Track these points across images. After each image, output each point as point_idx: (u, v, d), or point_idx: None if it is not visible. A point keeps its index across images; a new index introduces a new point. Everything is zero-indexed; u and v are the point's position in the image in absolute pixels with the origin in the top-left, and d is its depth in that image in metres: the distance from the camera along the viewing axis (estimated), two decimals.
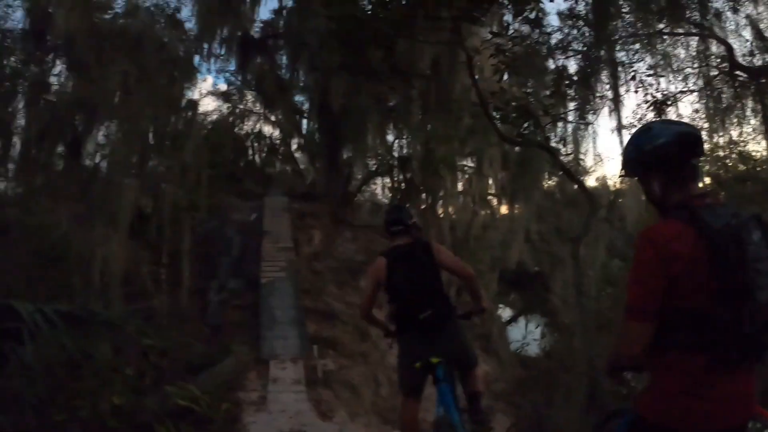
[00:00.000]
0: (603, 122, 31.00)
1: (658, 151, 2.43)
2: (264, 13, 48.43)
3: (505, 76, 9.18)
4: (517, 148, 15.69)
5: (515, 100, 9.24)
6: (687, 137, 2.45)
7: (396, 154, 18.40)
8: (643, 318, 2.31)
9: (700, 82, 11.56)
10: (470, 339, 5.13)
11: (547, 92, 9.91)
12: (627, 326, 2.38)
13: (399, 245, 4.91)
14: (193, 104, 14.01)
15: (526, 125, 9.19)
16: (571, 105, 10.87)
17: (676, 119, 2.97)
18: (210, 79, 38.29)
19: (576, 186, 11.52)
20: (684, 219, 2.31)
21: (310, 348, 9.93)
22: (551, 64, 10.65)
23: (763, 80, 10.74)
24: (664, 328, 2.29)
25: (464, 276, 4.93)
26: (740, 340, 2.19)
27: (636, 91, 10.63)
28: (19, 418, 5.10)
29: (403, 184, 18.70)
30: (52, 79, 13.63)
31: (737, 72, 11.04)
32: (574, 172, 11.16)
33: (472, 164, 18.04)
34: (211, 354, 9.16)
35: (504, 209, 19.60)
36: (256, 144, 21.22)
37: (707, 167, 16.17)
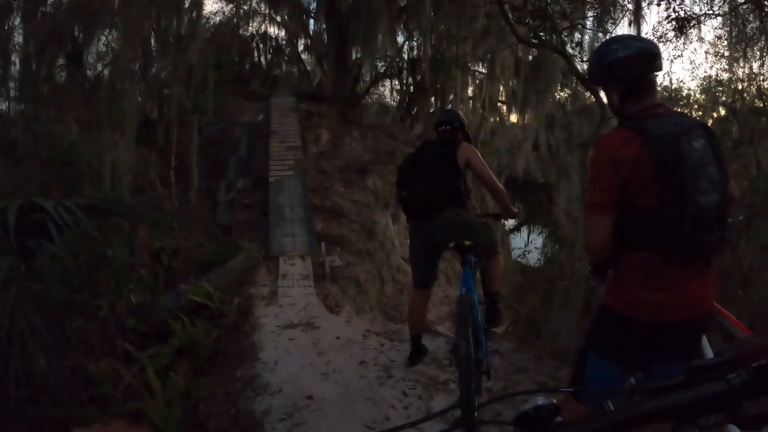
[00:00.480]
0: (622, 33, 30.08)
1: (618, 64, 2.63)
2: None
3: None
4: (531, 54, 15.44)
5: (533, 2, 9.01)
6: (645, 53, 2.62)
7: (405, 56, 18.22)
8: (600, 211, 2.56)
9: (726, 7, 11.10)
10: (486, 230, 5.14)
11: None
12: (588, 222, 2.63)
13: (432, 140, 5.14)
14: (197, 4, 13.70)
15: (542, 28, 9.00)
16: (590, 13, 10.54)
17: (639, 36, 3.21)
18: None
19: (589, 94, 11.29)
20: (633, 127, 2.54)
21: (318, 245, 10.18)
22: None
23: None
24: (621, 228, 2.53)
25: (489, 186, 5.02)
26: (684, 239, 2.42)
27: (659, 4, 10.26)
28: (47, 317, 5.30)
29: (411, 87, 18.58)
30: None
31: (765, 1, 10.58)
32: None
33: (483, 69, 17.86)
34: (221, 252, 9.42)
35: (513, 116, 19.49)
36: (261, 45, 20.85)
37: (723, 97, 15.82)
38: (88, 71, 13.05)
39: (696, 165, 2.41)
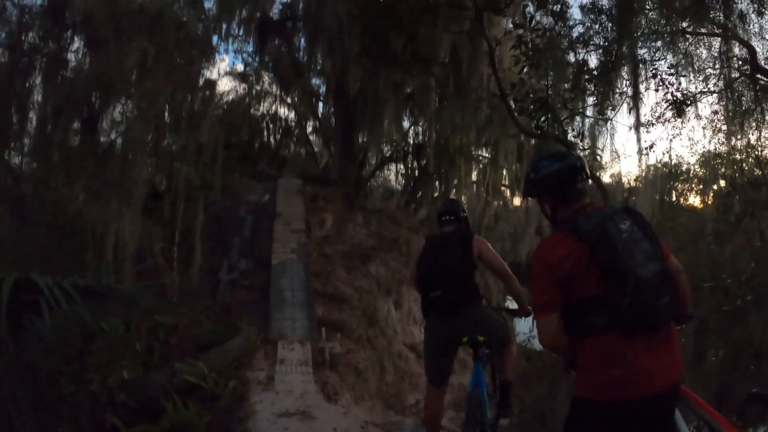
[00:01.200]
0: (621, 119, 30.94)
1: (545, 180, 3.02)
2: None
3: (525, 68, 9.14)
4: (533, 141, 15.68)
5: (534, 93, 9.21)
6: (567, 169, 2.99)
7: (411, 141, 18.48)
8: (545, 311, 2.76)
9: (721, 84, 11.47)
10: (501, 321, 5.18)
11: (567, 86, 9.87)
12: (538, 322, 2.80)
13: (441, 233, 5.21)
14: (211, 84, 14.03)
15: (543, 118, 9.18)
16: (590, 100, 10.81)
17: (561, 153, 3.66)
18: (227, 60, 37.93)
19: (590, 181, 11.44)
20: (564, 229, 2.85)
21: (318, 331, 10.02)
22: (572, 58, 10.60)
23: None
24: (575, 318, 2.72)
25: (502, 275, 5.11)
26: (632, 310, 2.56)
27: (657, 90, 10.58)
28: (33, 388, 5.18)
29: (416, 171, 18.76)
30: (70, 56, 13.58)
31: (759, 76, 10.96)
32: (589, 167, 11.09)
33: (487, 155, 18.08)
34: (220, 332, 9.26)
35: (516, 201, 19.61)
36: (271, 125, 21.18)
37: (723, 170, 16.09)
38: (101, 138, 13.16)
39: (627, 242, 2.63)
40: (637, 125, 10.70)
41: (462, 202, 5.74)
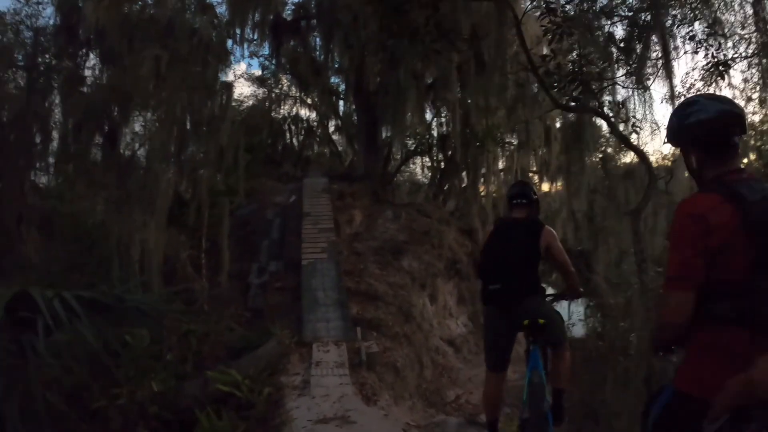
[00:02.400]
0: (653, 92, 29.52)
1: (699, 127, 2.41)
2: None
3: (556, 38, 8.49)
4: (558, 120, 15.08)
5: (564, 65, 8.63)
6: (730, 115, 2.39)
7: (435, 132, 18.05)
8: (684, 286, 2.27)
9: (751, 49, 10.73)
10: (559, 320, 4.84)
11: (597, 56, 9.23)
12: (669, 295, 2.34)
13: (511, 218, 4.93)
14: (228, 86, 13.68)
15: (578, 91, 8.59)
16: (622, 70, 10.10)
17: (721, 95, 2.87)
18: (243, 66, 37.82)
19: (634, 155, 10.65)
20: (721, 192, 2.29)
21: (353, 330, 9.63)
22: (603, 25, 9.90)
23: None
24: (702, 301, 2.24)
25: (565, 271, 4.82)
26: None
27: (696, 52, 9.82)
28: (28, 404, 4.83)
29: (442, 163, 18.31)
30: (86, 72, 13.61)
31: None
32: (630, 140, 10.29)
33: (513, 140, 17.53)
34: (252, 337, 8.95)
35: (545, 186, 19.05)
36: (293, 127, 20.89)
37: (753, 141, 15.36)
38: (122, 151, 12.94)
39: None
40: (671, 95, 10.03)
41: (531, 183, 5.35)
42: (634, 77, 9.78)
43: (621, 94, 10.97)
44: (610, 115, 9.74)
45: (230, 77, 23.67)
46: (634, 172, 15.92)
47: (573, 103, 9.22)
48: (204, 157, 12.78)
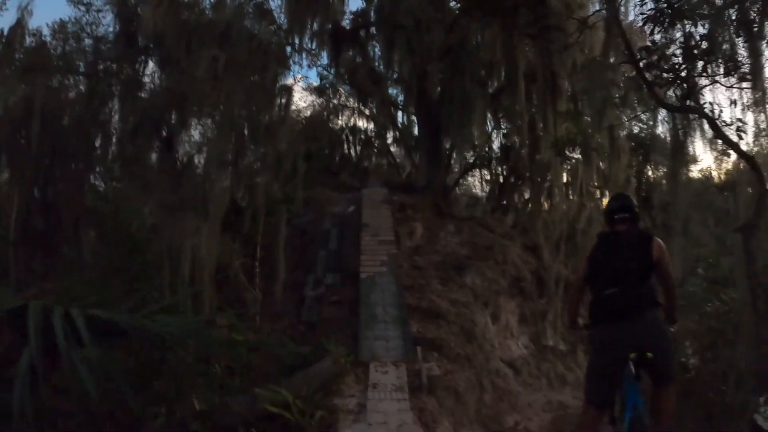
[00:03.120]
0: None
1: None
2: (354, 3, 53.93)
3: (665, 24, 7.41)
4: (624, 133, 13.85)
5: (667, 57, 7.51)
6: None
7: (495, 145, 17.25)
8: None
9: None
10: (672, 343, 4.40)
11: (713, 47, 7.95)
12: None
13: (617, 230, 4.59)
14: (287, 89, 13.10)
15: (682, 89, 7.54)
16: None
17: None
18: (301, 78, 37.39)
19: (743, 162, 9.26)
20: None
21: (414, 350, 8.84)
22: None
23: None
24: None
25: (670, 285, 4.41)
26: None
27: None
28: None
29: (500, 177, 17.46)
30: (145, 79, 13.29)
31: None
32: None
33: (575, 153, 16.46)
34: (305, 353, 8.26)
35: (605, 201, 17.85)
36: (350, 137, 20.26)
37: None
38: (178, 156, 12.51)
39: None
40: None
41: (630, 196, 4.81)
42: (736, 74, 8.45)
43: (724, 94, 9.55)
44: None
45: (290, 81, 23.31)
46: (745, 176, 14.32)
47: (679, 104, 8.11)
48: (261, 164, 12.20)
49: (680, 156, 9.95)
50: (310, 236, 12.30)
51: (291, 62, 15.30)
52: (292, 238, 11.89)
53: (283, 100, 12.61)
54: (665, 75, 7.50)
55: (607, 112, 10.42)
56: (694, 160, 15.40)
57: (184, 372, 6.53)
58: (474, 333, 10.53)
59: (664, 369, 4.01)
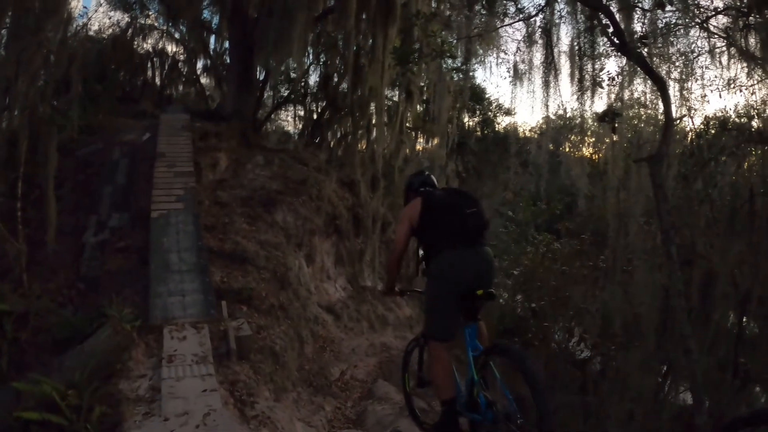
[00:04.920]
0: None
1: None
2: None
3: None
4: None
5: None
6: None
7: (314, 79, 15.60)
8: None
9: None
10: None
11: None
12: None
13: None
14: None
15: None
16: None
17: None
18: None
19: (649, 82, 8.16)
20: None
21: (218, 305, 7.09)
22: None
23: None
24: None
25: None
26: None
27: None
28: None
29: (317, 113, 15.79)
30: None
31: None
32: None
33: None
34: (79, 323, 6.20)
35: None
36: (156, 62, 17.24)
37: None
38: None
39: None
40: None
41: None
42: None
43: None
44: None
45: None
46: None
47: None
48: (44, 84, 9.33)
49: None
50: (95, 169, 9.77)
51: None
52: (72, 171, 9.43)
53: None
54: None
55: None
56: None
57: None
58: (288, 278, 9.00)
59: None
